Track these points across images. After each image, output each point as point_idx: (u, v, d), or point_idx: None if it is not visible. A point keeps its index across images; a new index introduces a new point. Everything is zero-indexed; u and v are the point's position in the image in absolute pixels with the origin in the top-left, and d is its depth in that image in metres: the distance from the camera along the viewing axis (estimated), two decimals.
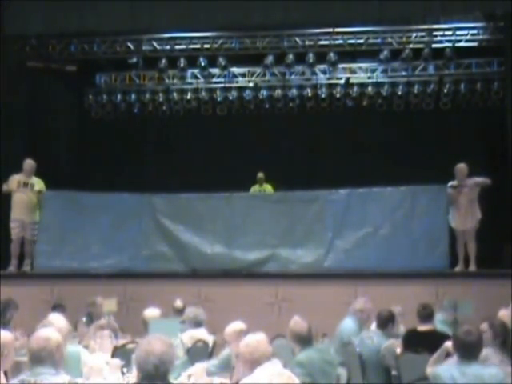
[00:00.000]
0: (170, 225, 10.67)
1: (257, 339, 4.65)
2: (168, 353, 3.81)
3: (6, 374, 4.63)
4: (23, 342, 6.40)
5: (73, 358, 5.50)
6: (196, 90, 14.07)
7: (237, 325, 6.03)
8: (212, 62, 13.50)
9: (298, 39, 13.12)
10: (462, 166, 10.13)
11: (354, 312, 7.66)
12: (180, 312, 8.16)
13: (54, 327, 5.48)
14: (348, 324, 7.58)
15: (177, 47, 13.34)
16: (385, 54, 13.00)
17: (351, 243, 10.29)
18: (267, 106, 14.09)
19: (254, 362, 4.59)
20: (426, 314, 6.96)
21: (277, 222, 10.61)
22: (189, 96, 14.00)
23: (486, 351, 5.08)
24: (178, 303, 8.38)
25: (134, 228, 10.69)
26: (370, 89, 13.63)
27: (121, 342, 7.23)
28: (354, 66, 13.80)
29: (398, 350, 6.87)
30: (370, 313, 7.56)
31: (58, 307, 8.34)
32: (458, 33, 12.72)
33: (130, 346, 6.45)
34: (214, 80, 14.05)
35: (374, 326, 7.43)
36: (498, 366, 4.85)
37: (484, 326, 5.46)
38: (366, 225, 10.32)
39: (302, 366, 5.47)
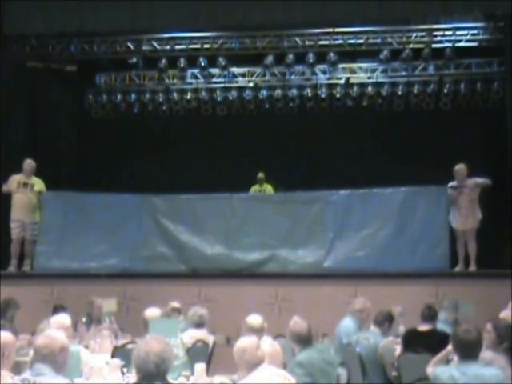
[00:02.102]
0: (169, 225, 10.67)
1: (244, 344, 4.66)
2: (167, 351, 3.84)
3: None
4: (24, 342, 6.41)
5: (73, 358, 5.48)
6: (196, 90, 14.06)
7: (255, 319, 6.06)
8: (212, 62, 13.50)
9: (298, 39, 13.11)
10: (461, 167, 10.13)
11: (354, 312, 7.66)
12: (177, 312, 8.15)
13: (60, 326, 5.52)
14: (347, 324, 7.58)
15: (177, 47, 13.33)
16: (385, 54, 12.99)
17: (352, 244, 10.28)
18: (267, 106, 14.07)
19: (245, 365, 4.60)
20: (429, 315, 6.97)
21: (277, 222, 10.60)
22: (189, 96, 13.99)
23: (491, 355, 5.04)
24: (175, 304, 8.35)
25: (134, 228, 10.68)
26: (369, 89, 13.62)
27: (121, 342, 7.23)
28: (354, 65, 13.80)
29: (398, 349, 6.88)
30: (370, 312, 7.56)
31: (59, 308, 8.32)
32: (457, 33, 12.71)
33: (130, 346, 6.45)
34: (214, 80, 14.04)
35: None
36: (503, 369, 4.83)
37: (488, 326, 5.44)
38: (366, 225, 10.32)
39: (302, 366, 5.47)
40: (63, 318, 6.12)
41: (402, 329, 7.71)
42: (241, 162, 13.31)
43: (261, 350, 4.68)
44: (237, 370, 5.80)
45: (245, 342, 4.72)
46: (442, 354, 5.40)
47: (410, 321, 7.46)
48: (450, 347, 5.21)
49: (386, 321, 7.20)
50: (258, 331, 5.88)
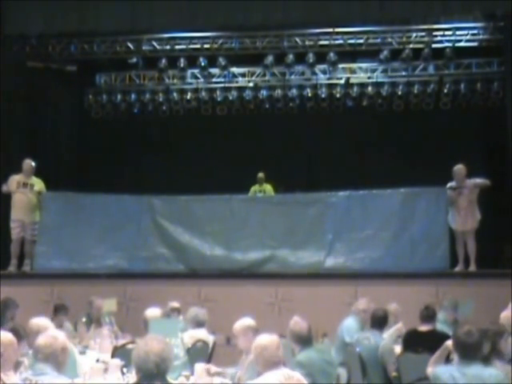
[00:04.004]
0: (169, 226, 10.64)
1: (265, 342, 4.60)
2: (167, 351, 3.85)
3: None
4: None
5: (69, 358, 5.48)
6: (196, 90, 14.07)
7: (246, 320, 6.03)
8: (212, 62, 13.51)
9: (298, 39, 13.12)
10: (459, 168, 10.11)
11: (358, 312, 7.65)
12: (177, 312, 8.14)
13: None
14: (350, 323, 7.58)
15: (177, 47, 13.34)
16: (385, 54, 13.00)
17: (352, 245, 10.25)
18: (267, 106, 14.09)
19: (263, 363, 4.57)
20: (428, 315, 6.96)
21: (277, 224, 10.56)
22: (189, 96, 14.00)
23: None
24: (174, 304, 8.34)
25: (133, 229, 10.65)
26: (369, 89, 13.63)
27: (121, 342, 7.23)
28: (354, 65, 13.81)
29: (396, 349, 6.88)
30: None
31: (61, 309, 8.30)
32: (457, 33, 12.72)
33: (130, 345, 6.44)
34: (214, 80, 14.05)
35: None
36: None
37: None
38: (366, 227, 10.29)
39: (302, 366, 5.45)
40: (43, 321, 6.04)
41: (400, 326, 7.68)
42: (241, 162, 13.31)
43: (281, 351, 4.63)
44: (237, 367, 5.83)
45: (266, 339, 4.64)
46: (439, 352, 5.39)
47: (410, 321, 7.45)
48: (447, 343, 5.21)
49: (383, 321, 7.18)
50: (255, 331, 5.89)
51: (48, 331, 4.68)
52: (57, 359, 4.28)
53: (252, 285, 9.96)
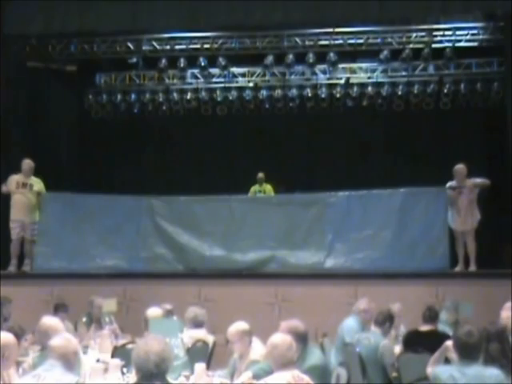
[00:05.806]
0: (168, 227, 10.63)
1: (277, 341, 4.60)
2: (167, 351, 3.85)
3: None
4: (25, 342, 6.40)
5: None
6: (196, 90, 14.08)
7: (240, 325, 6.01)
8: (212, 62, 13.51)
9: (298, 39, 13.12)
10: (460, 167, 10.11)
11: (358, 312, 7.64)
12: (170, 313, 8.11)
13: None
14: (350, 323, 7.57)
15: (177, 47, 13.34)
16: (385, 54, 13.01)
17: (351, 246, 10.23)
18: (267, 106, 14.09)
19: (274, 362, 4.55)
20: (430, 316, 6.97)
21: (276, 224, 10.54)
22: (189, 96, 14.01)
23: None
24: (167, 306, 8.30)
25: (133, 230, 10.64)
26: (369, 89, 13.63)
27: (121, 342, 7.23)
28: (354, 65, 13.81)
29: (396, 349, 6.88)
30: (374, 313, 7.54)
31: (60, 307, 8.30)
32: (457, 33, 12.72)
33: (130, 346, 6.44)
34: (214, 80, 14.05)
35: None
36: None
37: None
38: (366, 227, 10.27)
39: (316, 368, 5.35)
40: (53, 320, 6.05)
41: (402, 328, 7.70)
42: (241, 162, 13.31)
43: (292, 352, 4.62)
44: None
45: (278, 338, 4.65)
46: (438, 352, 5.39)
47: (411, 321, 7.46)
48: (447, 343, 5.21)
49: (386, 321, 7.19)
50: (250, 334, 5.89)
51: (62, 333, 4.83)
52: (69, 360, 4.42)
53: (252, 285, 9.95)
